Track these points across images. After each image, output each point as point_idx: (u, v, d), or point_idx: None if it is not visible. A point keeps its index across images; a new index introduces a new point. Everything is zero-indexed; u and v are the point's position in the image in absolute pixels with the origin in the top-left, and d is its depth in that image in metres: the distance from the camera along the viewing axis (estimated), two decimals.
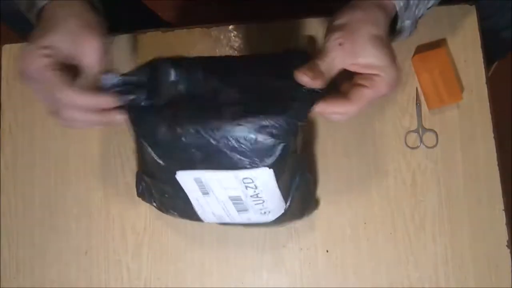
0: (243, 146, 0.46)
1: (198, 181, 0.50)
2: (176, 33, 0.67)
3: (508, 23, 0.71)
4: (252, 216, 0.55)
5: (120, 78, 0.50)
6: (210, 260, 0.63)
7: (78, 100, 0.46)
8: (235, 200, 0.52)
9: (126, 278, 0.63)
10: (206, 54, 0.67)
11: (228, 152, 0.46)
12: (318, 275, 0.62)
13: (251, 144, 0.46)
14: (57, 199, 0.65)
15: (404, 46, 0.65)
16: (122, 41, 0.67)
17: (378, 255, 0.62)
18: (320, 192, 0.64)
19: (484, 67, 0.65)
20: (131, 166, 0.65)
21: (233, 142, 0.46)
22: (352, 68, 0.48)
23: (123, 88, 0.49)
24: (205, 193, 0.52)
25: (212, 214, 0.56)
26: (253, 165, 0.47)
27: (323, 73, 0.46)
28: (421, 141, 0.64)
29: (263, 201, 0.52)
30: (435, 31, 0.65)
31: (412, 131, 0.64)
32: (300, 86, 0.47)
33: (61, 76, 0.46)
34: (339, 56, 0.46)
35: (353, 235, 0.63)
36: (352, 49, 0.46)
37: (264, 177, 0.48)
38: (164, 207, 0.59)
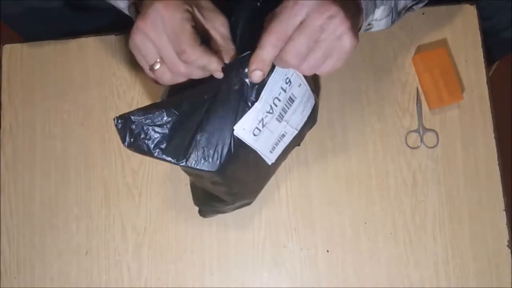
0: None
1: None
2: None
3: (508, 23, 0.71)
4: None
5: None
6: (210, 260, 0.63)
7: (198, 59, 0.47)
8: (286, 101, 0.52)
9: (126, 278, 0.63)
10: None
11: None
12: (318, 275, 0.62)
13: None
14: (57, 199, 0.65)
15: (405, 46, 0.65)
16: (122, 41, 0.67)
17: (378, 255, 0.62)
18: (320, 192, 0.64)
19: (485, 67, 0.65)
20: (131, 166, 0.65)
21: None
22: None
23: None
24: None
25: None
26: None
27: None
28: (421, 141, 0.64)
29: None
30: (436, 31, 0.65)
31: (413, 131, 0.64)
32: None
33: (195, 33, 0.47)
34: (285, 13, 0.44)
35: (353, 235, 0.63)
36: None
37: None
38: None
